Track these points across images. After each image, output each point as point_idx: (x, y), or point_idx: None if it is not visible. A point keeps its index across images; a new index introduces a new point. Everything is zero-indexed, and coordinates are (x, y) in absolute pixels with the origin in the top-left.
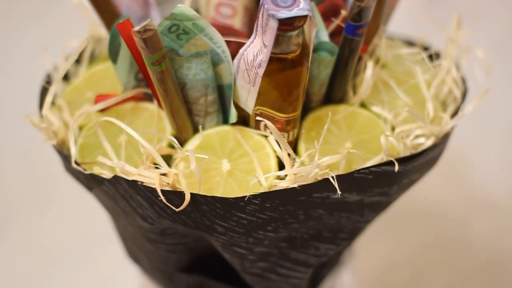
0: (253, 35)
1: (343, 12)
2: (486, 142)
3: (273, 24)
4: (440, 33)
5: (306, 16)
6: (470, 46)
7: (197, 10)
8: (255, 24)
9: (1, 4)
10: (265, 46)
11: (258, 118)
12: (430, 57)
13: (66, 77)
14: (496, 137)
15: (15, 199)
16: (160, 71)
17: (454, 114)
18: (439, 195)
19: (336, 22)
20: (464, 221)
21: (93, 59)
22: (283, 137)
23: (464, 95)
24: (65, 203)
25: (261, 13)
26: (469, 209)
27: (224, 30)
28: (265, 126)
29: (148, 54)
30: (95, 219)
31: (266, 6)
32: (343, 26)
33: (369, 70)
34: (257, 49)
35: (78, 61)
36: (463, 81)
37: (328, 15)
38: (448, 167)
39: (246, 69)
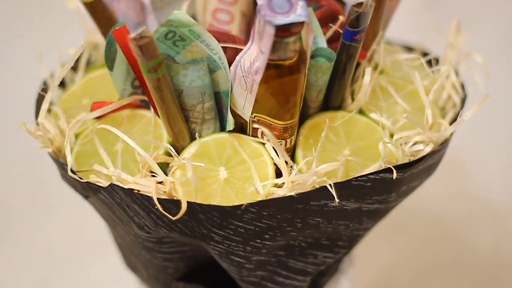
0: (250, 42)
1: (341, 18)
2: (485, 148)
3: (270, 31)
4: (439, 37)
5: (303, 22)
6: (469, 51)
7: (194, 16)
8: (252, 30)
9: None
10: (262, 52)
11: (255, 125)
12: (429, 63)
13: (62, 84)
14: (496, 143)
15: (13, 206)
16: (156, 78)
17: (453, 120)
18: (438, 201)
19: (334, 28)
20: (464, 228)
21: (89, 66)
22: (281, 144)
23: (463, 101)
24: (64, 210)
25: (258, 19)
26: (469, 217)
27: (221, 36)
28: (262, 133)
29: (144, 61)
30: (93, 226)
31: (263, 12)
32: (341, 32)
33: (368, 76)
34: (254, 56)
35: (74, 68)
36: (462, 86)
37: (326, 20)
38: (447, 174)
39: (243, 76)
